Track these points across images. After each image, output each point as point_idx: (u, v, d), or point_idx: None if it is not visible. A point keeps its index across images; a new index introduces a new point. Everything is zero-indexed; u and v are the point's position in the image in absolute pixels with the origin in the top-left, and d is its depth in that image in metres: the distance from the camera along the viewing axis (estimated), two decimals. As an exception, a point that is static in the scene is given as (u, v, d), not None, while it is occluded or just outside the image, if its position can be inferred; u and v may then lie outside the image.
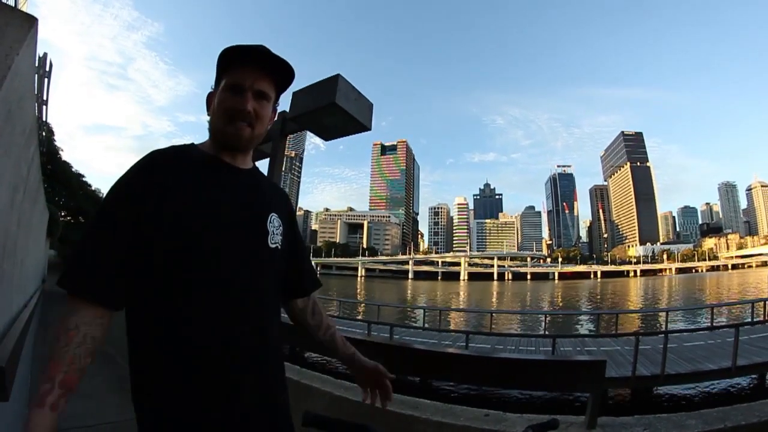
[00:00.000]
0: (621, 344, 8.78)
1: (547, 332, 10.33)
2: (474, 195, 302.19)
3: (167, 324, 0.82)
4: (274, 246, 0.97)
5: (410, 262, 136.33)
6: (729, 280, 70.25)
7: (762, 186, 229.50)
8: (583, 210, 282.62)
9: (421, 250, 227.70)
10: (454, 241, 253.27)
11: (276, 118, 1.06)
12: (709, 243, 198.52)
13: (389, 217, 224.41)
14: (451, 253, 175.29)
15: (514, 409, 2.36)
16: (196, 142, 1.00)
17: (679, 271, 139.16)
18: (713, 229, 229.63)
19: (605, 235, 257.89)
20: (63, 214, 24.34)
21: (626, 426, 1.89)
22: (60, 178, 23.43)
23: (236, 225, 0.91)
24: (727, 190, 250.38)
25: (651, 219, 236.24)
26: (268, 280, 0.96)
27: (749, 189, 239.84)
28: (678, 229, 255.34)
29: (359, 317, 16.06)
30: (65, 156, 25.87)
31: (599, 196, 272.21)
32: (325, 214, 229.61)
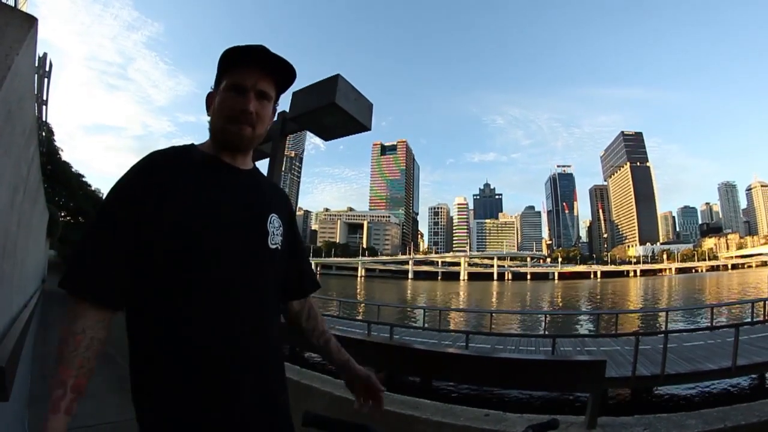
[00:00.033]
0: (621, 344, 8.78)
1: (547, 332, 10.34)
2: (474, 195, 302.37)
3: (167, 324, 0.82)
4: (274, 246, 0.97)
5: (410, 262, 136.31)
6: (729, 280, 70.27)
7: (762, 186, 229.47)
8: (583, 210, 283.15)
9: (421, 250, 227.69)
10: (454, 241, 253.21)
11: (276, 118, 1.06)
12: (709, 243, 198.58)
13: (389, 217, 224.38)
14: (451, 253, 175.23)
15: (514, 409, 2.36)
16: (196, 143, 1.00)
17: (679, 271, 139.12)
18: (713, 229, 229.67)
19: (605, 235, 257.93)
20: (63, 214, 24.31)
21: (626, 426, 1.89)
22: (60, 179, 23.40)
23: (236, 225, 0.91)
24: (727, 190, 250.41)
25: (651, 219, 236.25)
26: (268, 281, 0.96)
27: (749, 189, 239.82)
28: (678, 229, 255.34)
29: (359, 317, 16.02)
30: (65, 156, 25.86)
31: (599, 196, 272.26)
32: (325, 214, 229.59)
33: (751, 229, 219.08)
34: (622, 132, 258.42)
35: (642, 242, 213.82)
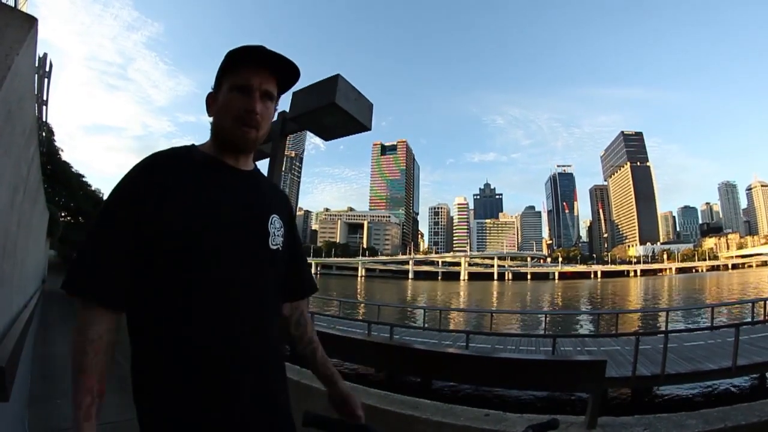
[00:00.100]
0: (621, 344, 8.78)
1: (547, 332, 10.34)
2: (474, 195, 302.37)
3: (167, 324, 0.82)
4: (275, 247, 0.97)
5: (410, 262, 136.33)
6: (729, 279, 70.28)
7: (762, 186, 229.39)
8: (583, 210, 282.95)
9: (421, 250, 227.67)
10: (454, 241, 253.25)
11: (276, 118, 1.06)
12: (709, 243, 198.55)
13: (389, 217, 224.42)
14: (451, 253, 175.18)
15: (514, 409, 2.37)
16: (196, 143, 1.00)
17: (679, 270, 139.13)
18: (713, 228, 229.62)
19: (605, 235, 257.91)
20: (63, 214, 24.34)
21: (626, 426, 1.89)
22: (60, 179, 23.40)
23: (237, 226, 0.91)
24: (727, 190, 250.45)
25: (651, 219, 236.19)
26: (269, 281, 0.96)
27: (749, 189, 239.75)
28: (678, 229, 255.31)
29: (359, 317, 16.03)
30: (65, 156, 25.83)
31: (599, 196, 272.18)
32: (325, 214, 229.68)
33: (751, 228, 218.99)
34: (622, 132, 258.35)
35: (642, 242, 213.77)
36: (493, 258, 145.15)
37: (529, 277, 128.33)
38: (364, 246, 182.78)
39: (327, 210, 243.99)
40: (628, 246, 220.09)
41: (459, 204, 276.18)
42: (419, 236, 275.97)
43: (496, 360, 2.85)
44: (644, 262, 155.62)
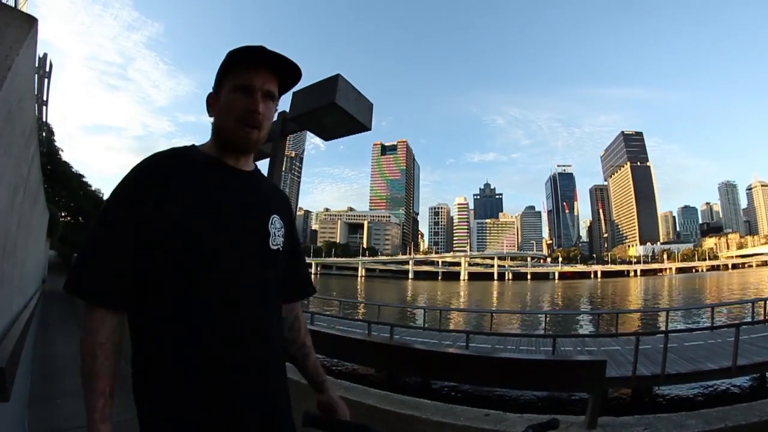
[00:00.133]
0: (621, 344, 8.78)
1: (547, 332, 10.34)
2: (474, 195, 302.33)
3: (168, 324, 0.82)
4: (275, 247, 0.97)
5: (410, 262, 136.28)
6: (729, 279, 70.24)
7: (762, 185, 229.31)
8: (583, 210, 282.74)
9: (421, 250, 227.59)
10: (454, 241, 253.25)
11: (276, 118, 1.06)
12: (709, 243, 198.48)
13: (389, 217, 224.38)
14: (451, 253, 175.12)
15: (514, 409, 2.37)
16: (196, 143, 1.00)
17: (679, 270, 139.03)
18: (713, 228, 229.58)
19: (605, 235, 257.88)
20: (63, 214, 24.34)
21: (626, 426, 1.89)
22: (60, 179, 23.41)
23: (237, 226, 0.91)
24: (728, 190, 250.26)
25: (651, 219, 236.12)
26: (269, 281, 0.96)
27: (749, 188, 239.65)
28: (678, 229, 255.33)
29: (359, 317, 16.03)
30: (65, 156, 25.86)
31: (599, 195, 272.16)
32: (325, 214, 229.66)
33: (751, 228, 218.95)
34: (623, 132, 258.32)
35: (642, 242, 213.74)
36: (493, 258, 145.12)
37: (529, 277, 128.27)
38: (364, 246, 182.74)
39: (327, 210, 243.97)
40: (628, 246, 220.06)
41: (459, 204, 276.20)
42: (419, 236, 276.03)
43: (496, 360, 2.85)
44: (644, 262, 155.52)
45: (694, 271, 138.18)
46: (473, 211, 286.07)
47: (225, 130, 0.94)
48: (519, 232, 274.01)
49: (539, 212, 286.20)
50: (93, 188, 28.81)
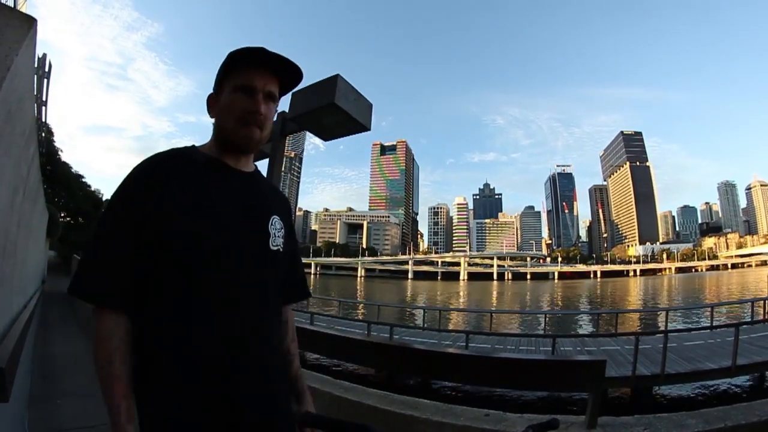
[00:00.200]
0: (621, 344, 8.78)
1: (547, 332, 10.34)
2: (474, 195, 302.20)
3: (168, 324, 0.83)
4: (275, 248, 0.97)
5: (410, 262, 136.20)
6: (729, 279, 70.31)
7: (761, 185, 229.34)
8: (583, 210, 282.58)
9: (420, 250, 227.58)
10: (454, 241, 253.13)
11: (276, 118, 1.07)
12: (708, 242, 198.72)
13: (389, 217, 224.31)
14: (451, 253, 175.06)
15: (514, 409, 2.37)
16: (196, 143, 1.00)
17: (679, 270, 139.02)
18: (713, 228, 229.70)
19: (605, 235, 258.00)
20: (63, 214, 24.33)
21: (626, 426, 1.89)
22: (60, 179, 23.41)
23: (237, 226, 0.91)
24: (727, 190, 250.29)
25: (651, 218, 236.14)
26: (269, 281, 0.96)
27: (749, 188, 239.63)
28: (678, 229, 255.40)
29: (359, 317, 16.02)
30: (65, 157, 25.90)
31: (599, 195, 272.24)
32: (325, 215, 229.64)
33: (750, 228, 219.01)
34: (622, 132, 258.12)
35: (642, 242, 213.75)
36: (492, 258, 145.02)
37: (528, 277, 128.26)
38: (364, 246, 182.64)
39: (326, 210, 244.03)
40: (628, 246, 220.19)
41: (458, 204, 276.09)
42: (419, 236, 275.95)
43: (496, 360, 2.86)
44: (644, 262, 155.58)
45: (693, 270, 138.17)
46: (473, 211, 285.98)
47: (226, 130, 0.94)
48: (518, 232, 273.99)
49: (539, 212, 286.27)
50: (93, 189, 28.85)
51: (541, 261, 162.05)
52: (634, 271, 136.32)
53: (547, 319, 12.25)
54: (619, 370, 6.90)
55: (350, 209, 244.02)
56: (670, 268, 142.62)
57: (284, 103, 2.77)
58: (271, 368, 0.93)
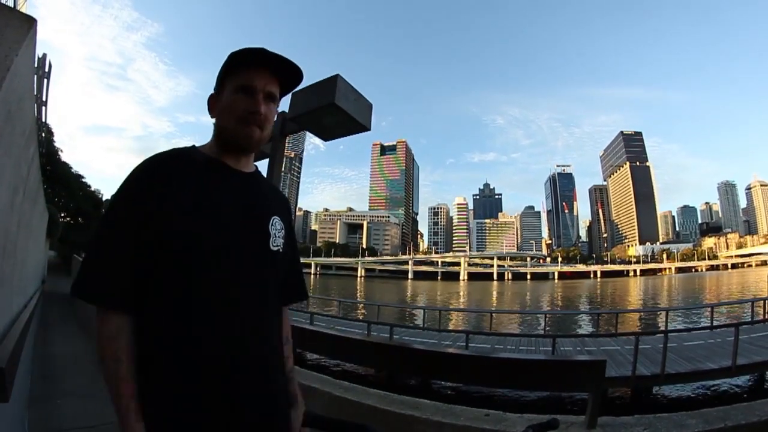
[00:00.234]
0: (621, 344, 8.78)
1: (547, 332, 10.34)
2: (474, 195, 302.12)
3: (168, 324, 0.83)
4: (275, 248, 0.97)
5: (410, 262, 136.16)
6: (729, 279, 70.32)
7: (761, 185, 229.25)
8: (583, 210, 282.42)
9: (420, 250, 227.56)
10: (454, 241, 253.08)
11: (275, 119, 1.07)
12: (708, 242, 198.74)
13: (389, 217, 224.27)
14: (451, 253, 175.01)
15: (514, 409, 2.37)
16: (196, 144, 1.00)
17: (679, 270, 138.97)
18: (713, 228, 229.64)
19: (605, 235, 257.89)
20: (63, 215, 24.31)
21: (626, 426, 1.89)
22: (60, 179, 23.39)
23: (237, 227, 0.91)
24: (727, 190, 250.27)
25: (650, 218, 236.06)
26: (269, 282, 0.96)
27: (749, 188, 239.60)
28: (677, 229, 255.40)
29: (359, 317, 16.03)
30: (65, 157, 25.87)
31: (599, 195, 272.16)
32: (325, 215, 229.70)
33: (750, 228, 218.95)
34: (622, 132, 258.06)
35: (642, 242, 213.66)
36: (492, 258, 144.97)
37: (528, 277, 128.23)
38: (364, 246, 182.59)
39: (326, 210, 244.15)
40: (628, 246, 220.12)
41: (458, 204, 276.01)
42: (419, 236, 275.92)
43: (495, 360, 2.86)
44: (644, 262, 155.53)
45: (693, 270, 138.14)
46: (473, 211, 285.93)
47: (226, 130, 0.94)
48: (518, 232, 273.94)
49: (539, 212, 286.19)
50: (93, 189, 28.81)
51: (541, 261, 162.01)
52: (634, 271, 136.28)
53: (547, 319, 12.25)
54: (619, 370, 6.90)
55: (350, 209, 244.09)
56: (670, 268, 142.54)
57: (284, 103, 2.77)
58: (271, 368, 0.93)
